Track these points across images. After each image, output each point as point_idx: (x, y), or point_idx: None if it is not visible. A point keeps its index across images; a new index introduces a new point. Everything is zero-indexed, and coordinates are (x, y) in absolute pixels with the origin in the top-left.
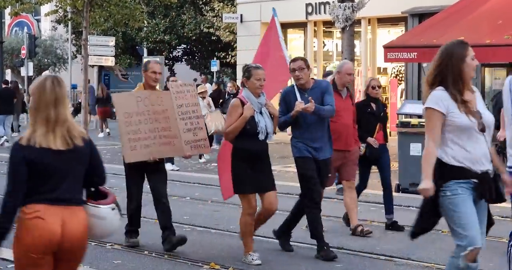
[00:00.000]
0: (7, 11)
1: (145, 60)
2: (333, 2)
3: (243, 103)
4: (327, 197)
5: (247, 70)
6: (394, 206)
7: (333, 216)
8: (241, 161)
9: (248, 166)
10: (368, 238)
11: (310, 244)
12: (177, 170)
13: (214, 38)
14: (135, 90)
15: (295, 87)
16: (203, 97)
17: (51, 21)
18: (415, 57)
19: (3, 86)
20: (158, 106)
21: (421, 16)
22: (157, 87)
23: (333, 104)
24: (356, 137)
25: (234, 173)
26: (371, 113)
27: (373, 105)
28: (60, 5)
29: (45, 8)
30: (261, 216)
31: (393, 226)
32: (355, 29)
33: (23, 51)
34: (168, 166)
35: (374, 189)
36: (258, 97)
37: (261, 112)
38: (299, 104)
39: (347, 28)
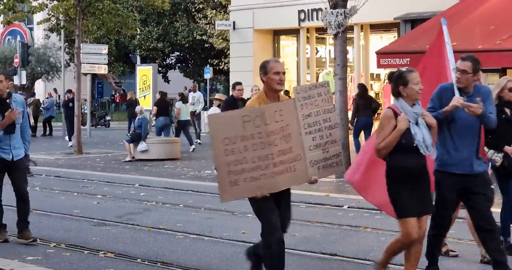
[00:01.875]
0: (0, 19)
1: (262, 62)
2: (325, 8)
3: (396, 114)
4: (319, 203)
5: (401, 76)
6: None
7: (326, 222)
8: (398, 181)
9: (407, 186)
10: (361, 244)
11: (302, 250)
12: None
13: (207, 45)
14: (252, 101)
15: (454, 85)
16: (218, 106)
17: (44, 29)
18: (408, 63)
19: None
20: (274, 124)
21: (414, 22)
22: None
23: (495, 114)
24: None
25: (393, 196)
26: (506, 119)
27: (508, 110)
28: (52, 14)
29: (37, 17)
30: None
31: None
32: (348, 36)
33: (16, 60)
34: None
35: None
36: (412, 106)
37: (417, 123)
38: (458, 99)
39: (340, 35)
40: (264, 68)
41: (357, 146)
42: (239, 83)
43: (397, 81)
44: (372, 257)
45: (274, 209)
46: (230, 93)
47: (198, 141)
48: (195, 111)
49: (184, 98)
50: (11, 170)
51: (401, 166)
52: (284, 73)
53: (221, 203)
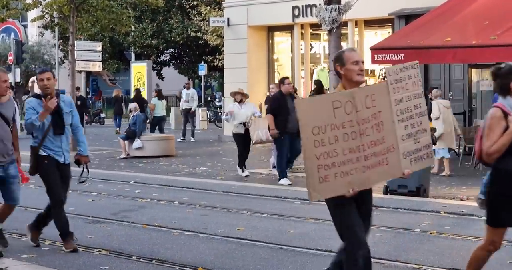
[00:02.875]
0: None
1: (337, 53)
2: (319, 4)
3: (505, 114)
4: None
5: (510, 71)
6: (382, 208)
7: (321, 219)
8: (504, 187)
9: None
10: None
11: (297, 247)
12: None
13: (202, 42)
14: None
15: None
16: (238, 101)
17: (38, 27)
18: (402, 58)
19: None
20: (366, 110)
21: (408, 17)
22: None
23: None
24: None
25: (494, 202)
26: None
27: None
28: (46, 11)
29: (31, 14)
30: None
31: None
32: (342, 31)
33: (10, 57)
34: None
35: None
36: None
37: None
38: None
39: (334, 31)
40: (340, 60)
41: None
42: (287, 78)
43: (506, 76)
44: None
45: (358, 217)
46: (264, 89)
47: (192, 139)
48: (190, 108)
49: (160, 95)
50: (60, 174)
51: (510, 170)
52: (363, 62)
53: (311, 202)
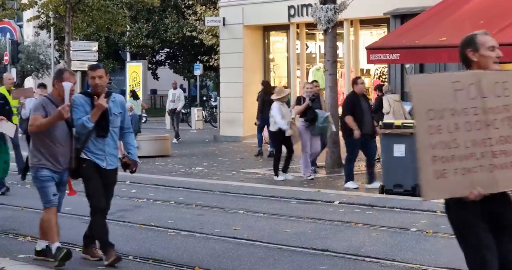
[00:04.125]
0: None
1: (467, 36)
2: (315, 4)
3: None
4: (310, 199)
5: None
6: (378, 207)
7: (317, 218)
8: None
9: None
10: (353, 240)
11: (293, 246)
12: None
13: (197, 42)
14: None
15: None
16: (283, 101)
17: (34, 26)
18: (398, 58)
19: None
20: (495, 99)
21: (403, 17)
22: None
23: None
24: None
25: None
26: None
27: None
28: (42, 11)
29: (27, 14)
30: None
31: None
32: (338, 31)
33: (6, 57)
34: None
35: (360, 190)
36: None
37: None
38: None
39: (330, 30)
40: (471, 44)
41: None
42: (359, 77)
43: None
44: (363, 253)
45: (489, 236)
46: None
47: (175, 140)
48: (175, 109)
49: (135, 95)
50: (101, 180)
51: None
52: (498, 47)
53: (423, 202)
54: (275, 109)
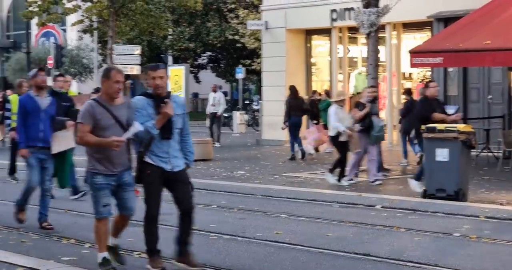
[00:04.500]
0: (34, 21)
1: None
2: (357, 7)
3: None
4: (352, 203)
5: None
6: (420, 212)
7: (359, 222)
8: None
9: None
10: (395, 245)
11: (335, 250)
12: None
13: (239, 45)
14: None
15: None
16: (342, 105)
17: (77, 31)
18: (441, 62)
19: None
20: None
21: (447, 20)
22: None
23: None
24: None
25: None
26: None
27: None
28: (86, 15)
29: (71, 18)
30: None
31: None
32: (380, 35)
33: (50, 61)
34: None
35: (402, 195)
36: None
37: None
38: None
39: (372, 34)
40: None
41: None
42: (432, 81)
43: None
44: (405, 258)
45: None
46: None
47: (217, 144)
48: (216, 112)
49: None
50: (170, 183)
51: None
52: None
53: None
54: (331, 113)
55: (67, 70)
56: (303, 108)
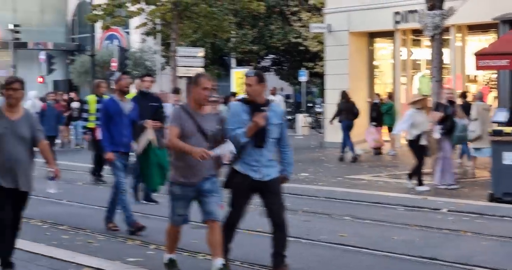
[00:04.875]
0: (99, 24)
1: None
2: (422, 10)
3: None
4: (417, 206)
5: None
6: (487, 216)
7: (424, 226)
8: None
9: None
10: (462, 249)
11: (401, 254)
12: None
13: (302, 48)
14: None
15: None
16: (421, 108)
17: (141, 33)
18: (508, 64)
19: None
20: None
21: None
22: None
23: None
24: None
25: None
26: None
27: None
28: (149, 18)
29: (135, 21)
30: None
31: None
32: (444, 37)
33: (114, 64)
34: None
35: (468, 198)
36: None
37: None
38: None
39: (436, 36)
40: None
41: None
42: None
43: None
44: (473, 262)
45: None
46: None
47: None
48: None
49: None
50: (261, 192)
51: None
52: None
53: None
54: (406, 116)
55: (130, 73)
56: (354, 112)
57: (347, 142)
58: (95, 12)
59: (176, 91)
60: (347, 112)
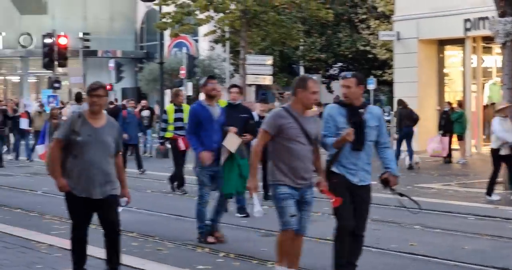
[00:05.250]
0: (167, 32)
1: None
2: (493, 17)
3: None
4: (488, 215)
5: None
6: None
7: (496, 235)
8: None
9: None
10: None
11: (472, 264)
12: None
13: (371, 56)
14: None
15: None
16: (505, 116)
17: (209, 41)
18: None
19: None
20: None
21: None
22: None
23: None
24: None
25: None
26: None
27: None
28: (218, 26)
29: (203, 29)
30: None
31: None
32: None
33: (182, 71)
34: None
35: None
36: None
37: None
38: None
39: (508, 44)
40: None
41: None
42: None
43: None
44: None
45: None
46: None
47: None
48: None
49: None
50: (353, 197)
51: None
52: None
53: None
54: (496, 124)
55: (199, 80)
56: (413, 118)
57: (408, 149)
58: (164, 20)
59: (263, 100)
60: (406, 119)
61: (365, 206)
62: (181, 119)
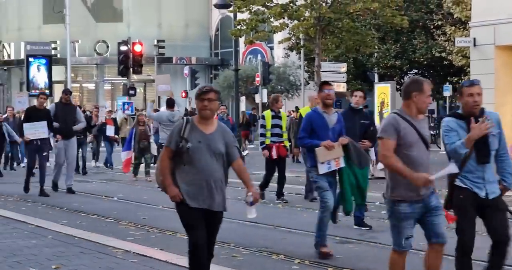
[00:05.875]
0: (242, 39)
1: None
2: None
3: None
4: None
5: None
6: None
7: None
8: None
9: None
10: None
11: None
12: None
13: (446, 62)
14: None
15: None
16: None
17: (284, 48)
18: None
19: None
20: None
21: None
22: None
23: None
24: None
25: None
26: None
27: None
28: (293, 33)
29: (278, 36)
30: None
31: None
32: None
33: (257, 78)
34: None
35: None
36: None
37: None
38: None
39: None
40: None
41: None
42: None
43: None
44: None
45: None
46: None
47: None
48: None
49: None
50: (484, 210)
51: None
52: None
53: None
54: None
55: (274, 87)
56: None
57: None
58: (239, 27)
59: (336, 108)
60: None
61: (502, 214)
62: (278, 126)
